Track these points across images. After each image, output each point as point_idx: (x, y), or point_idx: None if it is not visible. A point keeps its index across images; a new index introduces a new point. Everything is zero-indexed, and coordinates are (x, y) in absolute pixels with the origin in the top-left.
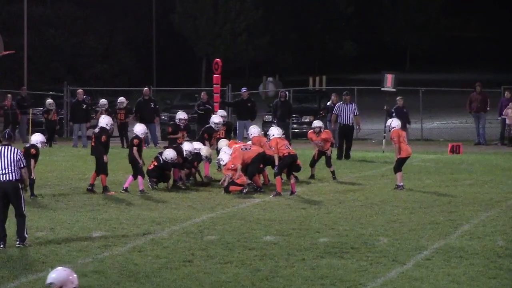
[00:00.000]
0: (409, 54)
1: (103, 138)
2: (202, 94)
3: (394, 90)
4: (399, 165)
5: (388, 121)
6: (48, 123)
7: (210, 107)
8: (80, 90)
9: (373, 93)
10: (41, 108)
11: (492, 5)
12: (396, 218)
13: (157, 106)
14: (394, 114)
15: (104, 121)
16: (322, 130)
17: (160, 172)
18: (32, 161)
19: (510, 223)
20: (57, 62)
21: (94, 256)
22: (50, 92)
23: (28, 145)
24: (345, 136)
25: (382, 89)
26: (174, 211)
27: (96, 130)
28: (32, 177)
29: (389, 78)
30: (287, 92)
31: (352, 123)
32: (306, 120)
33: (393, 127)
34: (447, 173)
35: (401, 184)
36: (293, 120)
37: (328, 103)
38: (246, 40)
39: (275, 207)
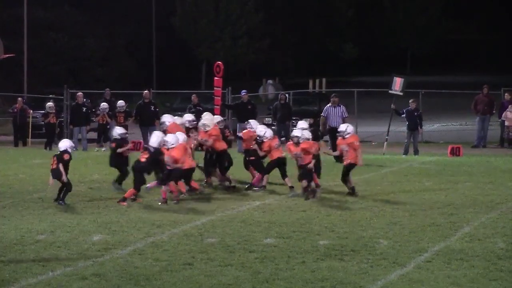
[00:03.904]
0: (409, 57)
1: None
2: (192, 96)
3: (401, 93)
4: (348, 171)
5: (342, 126)
6: (48, 126)
7: (201, 108)
8: (79, 93)
9: (373, 95)
10: (42, 111)
11: (493, 7)
12: (396, 221)
13: (157, 109)
14: (403, 116)
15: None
16: (300, 140)
17: (154, 163)
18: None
19: (511, 225)
20: (58, 65)
21: (94, 259)
22: (51, 95)
23: (59, 151)
24: (334, 139)
25: (390, 91)
26: (174, 214)
27: None
28: (64, 180)
29: (398, 81)
30: (287, 95)
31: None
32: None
33: (349, 133)
34: (447, 175)
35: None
36: (293, 122)
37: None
38: (247, 43)
39: (275, 209)
